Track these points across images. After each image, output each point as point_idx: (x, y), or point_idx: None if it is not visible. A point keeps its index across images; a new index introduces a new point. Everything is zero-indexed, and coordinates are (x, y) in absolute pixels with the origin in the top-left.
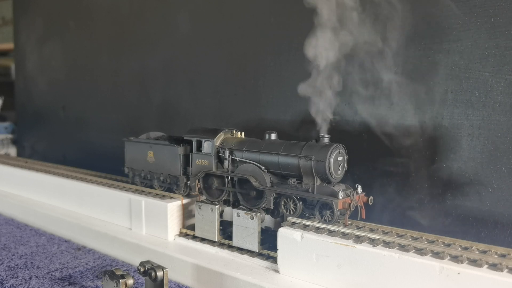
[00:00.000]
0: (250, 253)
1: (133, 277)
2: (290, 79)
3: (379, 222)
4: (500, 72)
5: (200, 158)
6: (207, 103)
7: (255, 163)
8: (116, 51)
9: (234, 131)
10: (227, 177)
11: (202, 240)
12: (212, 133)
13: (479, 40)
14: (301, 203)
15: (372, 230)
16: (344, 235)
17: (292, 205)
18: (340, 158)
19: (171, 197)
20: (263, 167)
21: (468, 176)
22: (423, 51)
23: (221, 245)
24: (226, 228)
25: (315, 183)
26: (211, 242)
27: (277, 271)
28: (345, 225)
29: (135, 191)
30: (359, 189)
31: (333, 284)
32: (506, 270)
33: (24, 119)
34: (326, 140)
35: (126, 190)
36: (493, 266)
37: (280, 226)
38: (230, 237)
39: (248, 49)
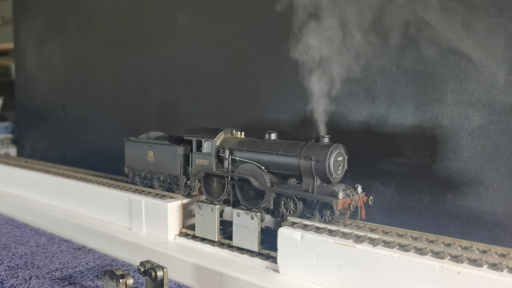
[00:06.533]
0: (250, 253)
1: (133, 277)
2: (290, 79)
3: (379, 222)
4: (500, 72)
5: (200, 158)
6: (207, 103)
7: (255, 163)
8: (116, 51)
9: (234, 131)
10: (227, 177)
11: (202, 240)
12: (212, 133)
13: (479, 41)
14: (301, 203)
15: (372, 230)
16: (344, 235)
17: (292, 205)
18: (340, 158)
19: (171, 197)
20: (263, 167)
21: (468, 176)
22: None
23: (221, 245)
24: (226, 228)
25: (315, 183)
26: (211, 242)
27: (277, 271)
28: (345, 225)
29: (135, 191)
30: (359, 189)
31: (333, 284)
32: (506, 270)
33: (24, 119)
34: (326, 140)
35: (126, 190)
36: (493, 266)
37: (280, 226)
38: (230, 237)
39: (248, 49)
